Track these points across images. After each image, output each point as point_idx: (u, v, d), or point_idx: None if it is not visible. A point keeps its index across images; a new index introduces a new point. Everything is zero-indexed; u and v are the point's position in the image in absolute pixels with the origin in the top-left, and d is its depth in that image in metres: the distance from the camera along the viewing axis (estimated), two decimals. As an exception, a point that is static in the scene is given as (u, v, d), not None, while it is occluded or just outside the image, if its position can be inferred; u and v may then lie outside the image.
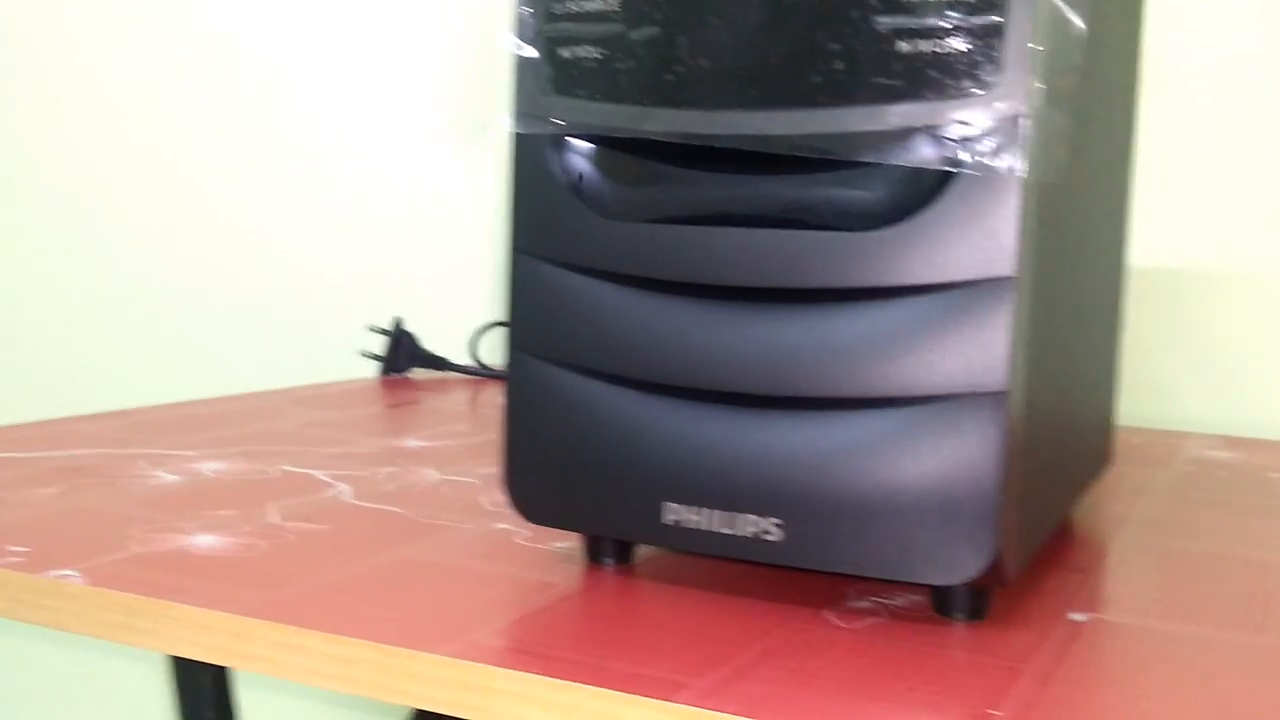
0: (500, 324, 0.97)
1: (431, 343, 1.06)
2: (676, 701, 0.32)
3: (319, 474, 0.57)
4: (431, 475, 0.58)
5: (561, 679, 0.33)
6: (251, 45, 1.17)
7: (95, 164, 1.26)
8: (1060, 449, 0.44)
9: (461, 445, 0.66)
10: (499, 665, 0.34)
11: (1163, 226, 0.85)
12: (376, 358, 0.94)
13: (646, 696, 0.32)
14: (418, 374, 0.95)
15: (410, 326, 1.08)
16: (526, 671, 0.33)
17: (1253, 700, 0.34)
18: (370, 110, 1.12)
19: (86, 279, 1.27)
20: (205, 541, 0.45)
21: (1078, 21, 0.38)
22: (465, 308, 1.09)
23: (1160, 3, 0.84)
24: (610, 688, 0.32)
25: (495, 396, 0.85)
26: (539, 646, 0.35)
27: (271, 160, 1.18)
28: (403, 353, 0.94)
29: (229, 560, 0.43)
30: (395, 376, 0.94)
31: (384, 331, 0.94)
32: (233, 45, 1.18)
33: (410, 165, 1.11)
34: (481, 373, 0.94)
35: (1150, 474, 0.65)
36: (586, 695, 0.33)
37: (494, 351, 1.07)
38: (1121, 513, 0.56)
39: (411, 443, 0.66)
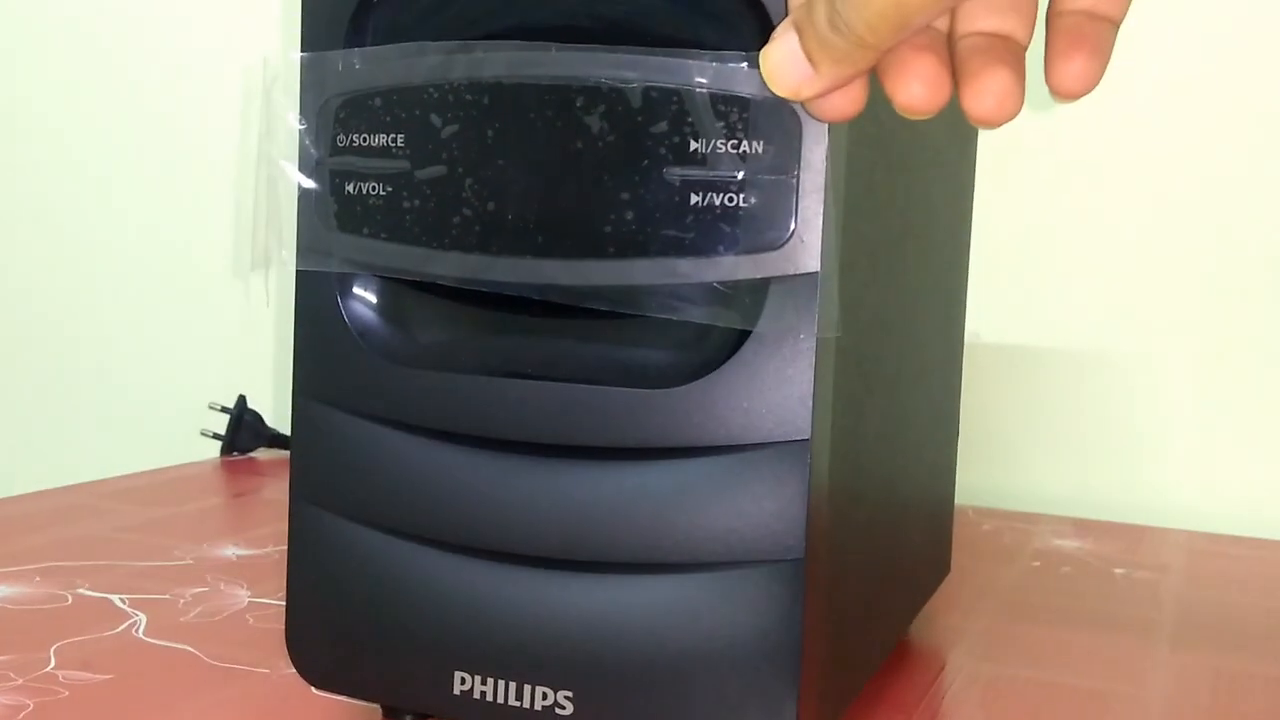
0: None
1: (279, 420, 1.02)
2: None
3: (117, 600, 0.53)
4: (240, 598, 0.55)
5: None
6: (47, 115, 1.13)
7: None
8: (882, 589, 0.42)
9: (283, 554, 0.62)
10: None
11: (1010, 303, 0.85)
12: (218, 437, 0.90)
13: None
14: (263, 454, 0.91)
15: (257, 403, 1.04)
16: None
17: None
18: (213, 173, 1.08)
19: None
20: (-34, 702, 0.41)
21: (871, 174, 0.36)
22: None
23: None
24: None
25: (337, 483, 0.81)
26: None
27: (109, 224, 1.13)
28: (246, 432, 0.90)
29: (-15, 729, 0.39)
30: (239, 457, 0.90)
31: (225, 409, 0.90)
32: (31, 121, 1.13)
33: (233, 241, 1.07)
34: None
35: (993, 572, 0.64)
36: None
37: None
38: (958, 624, 0.55)
39: (230, 551, 0.62)
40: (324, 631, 0.39)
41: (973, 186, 0.54)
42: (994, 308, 0.85)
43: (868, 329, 0.38)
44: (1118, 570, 0.66)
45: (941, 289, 0.49)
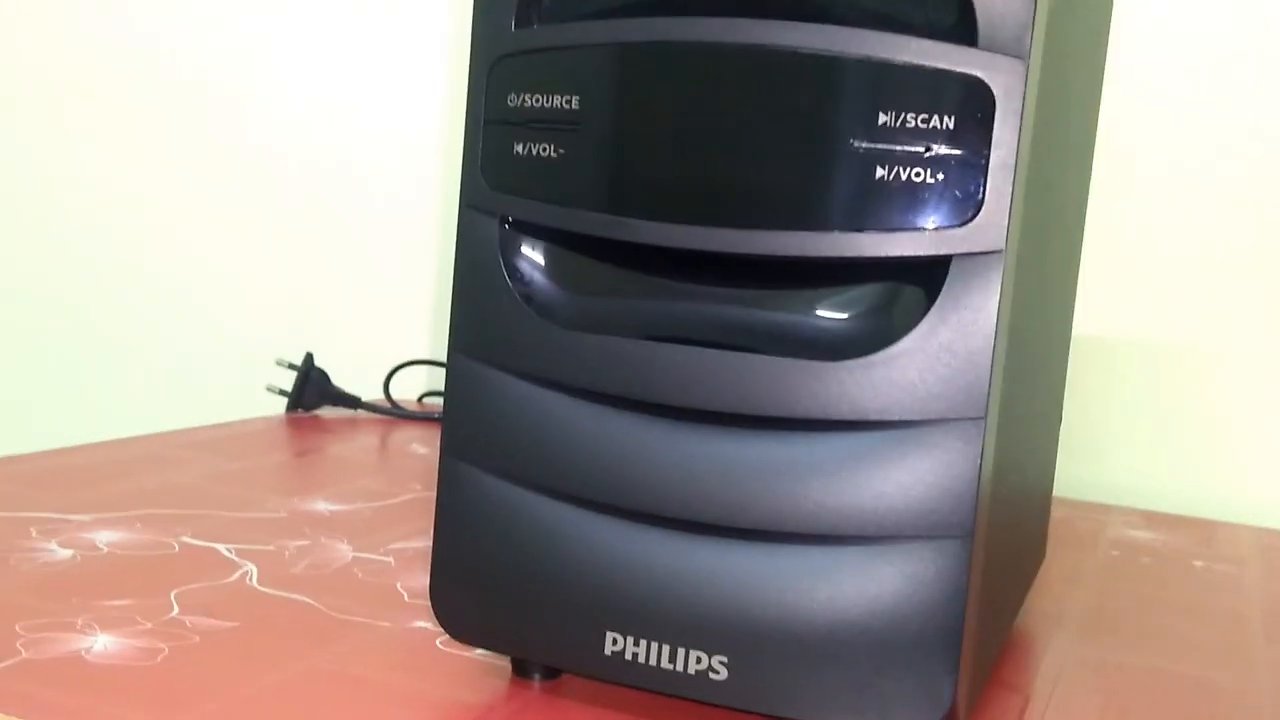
0: (416, 362, 0.94)
1: (344, 379, 1.03)
2: None
3: (223, 549, 0.54)
4: (344, 552, 0.55)
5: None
6: (168, 65, 1.12)
7: (-12, 166, 1.20)
8: (1012, 574, 0.43)
9: (374, 511, 0.62)
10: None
11: (1083, 295, 0.85)
12: (284, 393, 0.90)
13: None
14: (326, 412, 0.91)
15: (323, 361, 1.05)
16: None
17: None
18: (290, 140, 1.08)
19: (-26, 286, 1.21)
20: (102, 644, 0.42)
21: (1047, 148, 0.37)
22: (381, 344, 1.06)
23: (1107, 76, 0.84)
24: None
25: (406, 441, 0.82)
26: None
27: (179, 179, 1.13)
28: (312, 390, 0.91)
29: (129, 671, 0.39)
30: (302, 414, 0.90)
31: (293, 366, 0.90)
32: (145, 68, 1.13)
33: (331, 200, 1.07)
34: (394, 413, 0.91)
35: (1078, 558, 0.65)
36: None
37: (407, 390, 1.03)
38: (1054, 609, 0.55)
39: (322, 506, 0.63)
40: (471, 587, 0.39)
41: (1090, 175, 0.54)
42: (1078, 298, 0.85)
43: (1027, 311, 0.38)
44: (1196, 562, 0.67)
45: (1067, 277, 0.49)
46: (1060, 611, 0.55)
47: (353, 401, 0.91)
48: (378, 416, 0.91)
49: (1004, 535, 0.40)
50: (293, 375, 0.92)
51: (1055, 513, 0.76)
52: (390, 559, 0.54)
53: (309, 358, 0.90)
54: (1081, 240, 0.54)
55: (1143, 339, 0.84)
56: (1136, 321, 0.84)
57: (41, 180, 1.18)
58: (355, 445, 0.79)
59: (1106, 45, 0.53)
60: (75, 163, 1.17)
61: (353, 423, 0.88)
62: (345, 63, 1.06)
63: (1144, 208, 0.84)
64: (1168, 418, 0.84)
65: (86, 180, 1.16)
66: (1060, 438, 0.85)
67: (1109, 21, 0.52)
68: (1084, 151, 0.49)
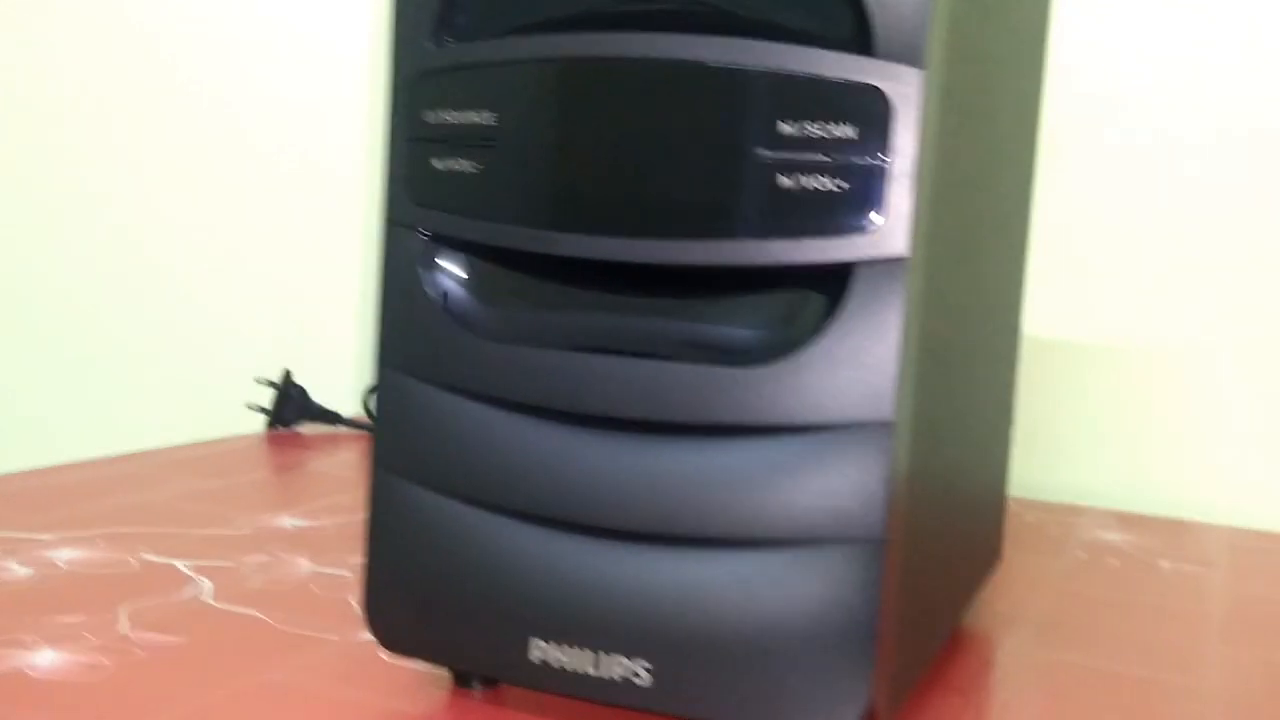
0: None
1: (323, 395, 1.04)
2: None
3: (181, 565, 0.54)
4: (302, 567, 0.55)
5: None
6: (119, 85, 1.14)
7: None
8: (946, 575, 0.43)
9: (340, 525, 0.63)
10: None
11: (1055, 297, 0.85)
12: (264, 411, 0.91)
13: None
14: (307, 428, 0.92)
15: (302, 378, 1.05)
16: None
17: None
18: (263, 153, 1.09)
19: (-33, 311, 1.23)
20: (46, 659, 0.42)
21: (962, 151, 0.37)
22: (359, 360, 1.06)
23: (1061, 76, 0.84)
24: None
25: (384, 458, 0.82)
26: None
27: (154, 194, 1.14)
28: (291, 406, 0.91)
29: (69, 687, 0.40)
30: (283, 431, 0.91)
31: (272, 384, 0.91)
32: (104, 84, 1.14)
33: (306, 213, 1.08)
34: (373, 428, 0.91)
35: (1042, 563, 0.65)
36: None
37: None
38: (1010, 612, 0.55)
39: (288, 522, 0.63)
40: (402, 599, 0.39)
41: (1033, 178, 0.54)
42: (1039, 301, 0.86)
43: (946, 315, 0.38)
44: (1163, 563, 0.67)
45: (1005, 278, 0.49)
46: (1016, 614, 0.55)
47: (333, 417, 0.92)
48: (358, 432, 0.92)
49: (933, 537, 0.40)
50: (272, 393, 0.93)
51: (1026, 516, 0.76)
52: (349, 573, 0.55)
53: (287, 374, 0.91)
54: (1025, 243, 0.54)
55: (1114, 342, 0.84)
56: (1107, 325, 0.85)
57: (11, 197, 1.20)
58: (334, 461, 0.80)
59: (1044, 45, 0.53)
60: (48, 181, 1.18)
61: (333, 439, 0.88)
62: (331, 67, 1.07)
63: (1111, 211, 0.84)
64: (1140, 419, 0.84)
65: (58, 200, 1.18)
66: (1032, 442, 0.86)
67: (1045, 22, 0.53)
68: (1020, 154, 0.50)
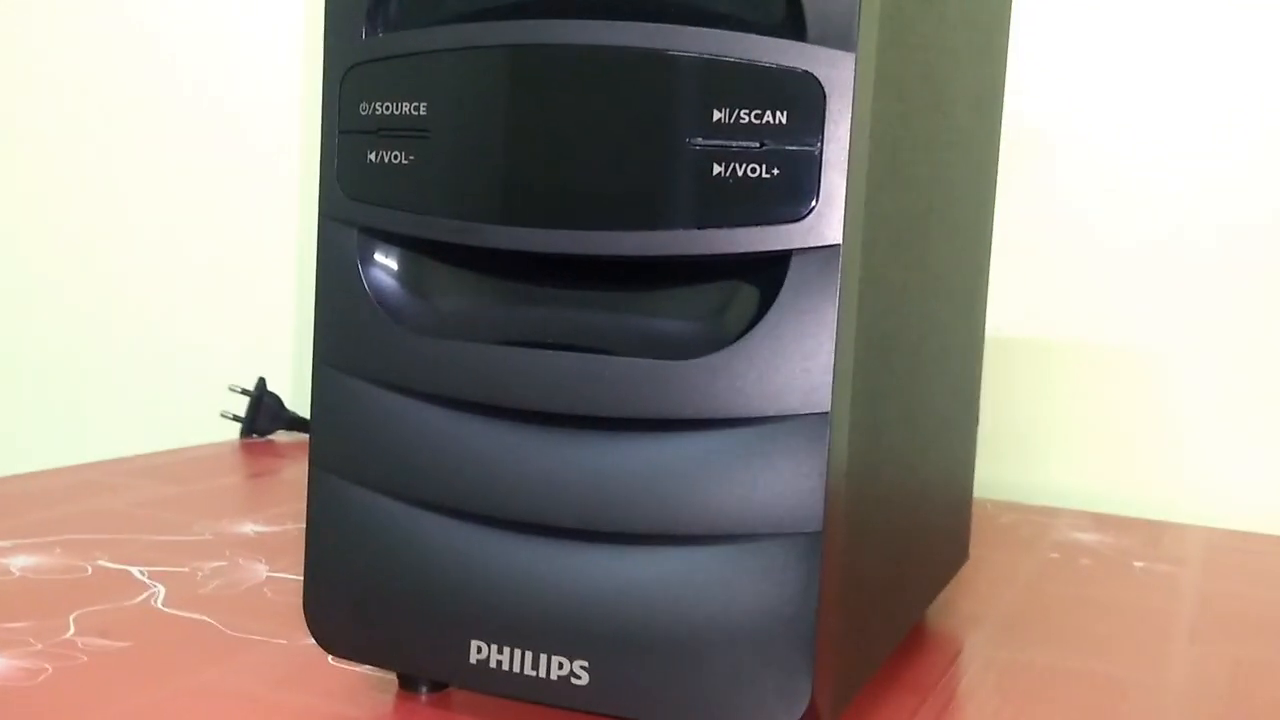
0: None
1: (298, 402, 1.03)
2: None
3: (135, 571, 0.54)
4: (259, 572, 0.55)
5: None
6: (97, 97, 1.13)
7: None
8: (898, 571, 0.42)
9: (301, 531, 0.62)
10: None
11: (1031, 297, 0.85)
12: (237, 419, 0.91)
13: None
14: (281, 436, 0.92)
15: (276, 385, 1.05)
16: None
17: None
18: (234, 159, 1.09)
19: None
20: (-15, 665, 0.42)
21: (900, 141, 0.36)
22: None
23: (1021, 72, 0.84)
24: None
25: (356, 465, 0.82)
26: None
27: (124, 200, 1.13)
28: (265, 414, 0.91)
29: (5, 690, 0.39)
30: (257, 439, 0.90)
31: (245, 392, 0.91)
32: (79, 97, 1.14)
33: (275, 224, 1.08)
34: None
35: (1012, 561, 0.64)
36: None
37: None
38: (975, 611, 0.55)
39: (249, 528, 0.62)
40: (341, 600, 0.39)
41: (996, 173, 0.54)
42: (1015, 301, 0.85)
43: (888, 306, 0.38)
44: (1137, 563, 0.66)
45: (963, 273, 0.49)
46: (981, 613, 0.55)
47: (307, 425, 0.91)
48: (331, 439, 0.91)
49: (880, 531, 0.39)
50: (246, 401, 0.92)
51: (1000, 517, 0.76)
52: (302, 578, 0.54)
53: (261, 382, 0.90)
54: (987, 237, 0.53)
55: (1088, 342, 0.84)
56: (1081, 325, 0.84)
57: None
58: (305, 468, 0.79)
59: (1004, 38, 0.53)
60: (11, 192, 1.17)
61: (306, 446, 0.88)
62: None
63: (1091, 209, 0.84)
64: (1117, 419, 0.84)
65: (22, 210, 1.17)
66: (1006, 443, 0.85)
67: (1004, 15, 0.52)
68: (978, 148, 0.49)
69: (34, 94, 1.17)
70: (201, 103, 1.10)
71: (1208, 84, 0.81)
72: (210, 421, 1.08)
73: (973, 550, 0.66)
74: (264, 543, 0.60)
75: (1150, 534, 0.73)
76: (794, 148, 0.33)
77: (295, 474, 0.77)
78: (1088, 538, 0.71)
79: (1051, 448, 0.85)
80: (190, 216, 1.11)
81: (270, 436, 0.91)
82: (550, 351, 0.36)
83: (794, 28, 0.33)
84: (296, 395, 1.03)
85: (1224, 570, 0.66)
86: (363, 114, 0.37)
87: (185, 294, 1.11)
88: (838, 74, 0.32)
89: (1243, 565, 0.67)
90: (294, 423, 0.91)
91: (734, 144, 0.33)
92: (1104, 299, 0.84)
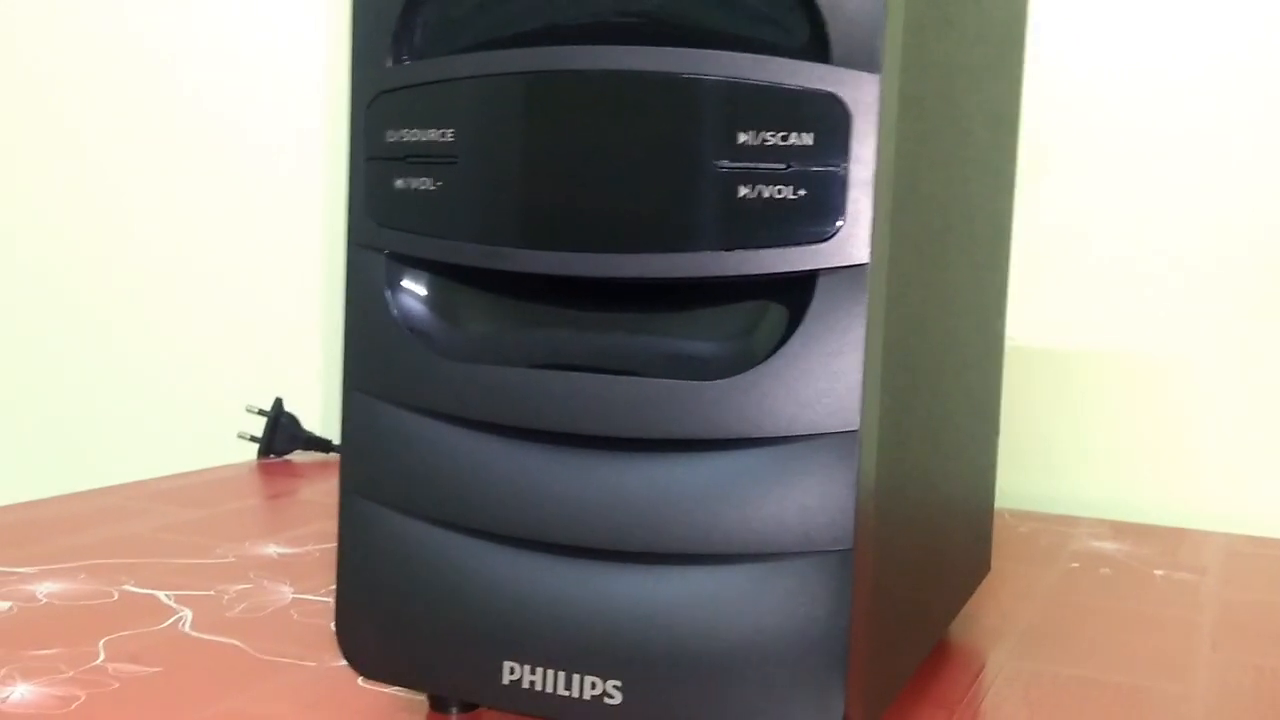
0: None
1: (316, 423, 1.03)
2: None
3: (162, 595, 0.54)
4: (284, 594, 0.55)
5: None
6: (108, 111, 1.14)
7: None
8: (925, 585, 0.42)
9: (326, 552, 0.63)
10: None
11: (1049, 307, 0.85)
12: (255, 439, 0.91)
13: None
14: (299, 456, 0.92)
15: (294, 406, 1.05)
16: None
17: None
18: (255, 182, 1.09)
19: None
20: (20, 693, 0.42)
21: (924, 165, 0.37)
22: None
23: (1043, 84, 0.84)
24: None
25: (374, 484, 0.82)
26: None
27: (144, 222, 1.14)
28: (282, 435, 0.91)
29: (40, 719, 0.40)
30: (275, 460, 0.90)
31: (262, 412, 0.91)
32: (86, 117, 1.15)
33: (296, 247, 1.08)
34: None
35: (1033, 573, 0.64)
36: None
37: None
38: (998, 624, 0.55)
39: (272, 550, 0.63)
40: (373, 622, 0.39)
41: (1013, 186, 0.54)
42: (1033, 311, 0.85)
43: (912, 322, 0.38)
44: (1157, 572, 0.66)
45: (982, 286, 0.49)
46: (1004, 625, 0.55)
47: (325, 445, 0.92)
48: (348, 459, 0.91)
49: (908, 547, 0.39)
50: (264, 422, 0.92)
51: (1019, 527, 0.76)
52: (330, 599, 0.54)
53: (278, 402, 0.91)
54: (1005, 252, 0.54)
55: (1106, 352, 0.84)
56: (1099, 334, 0.84)
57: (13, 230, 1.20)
58: (324, 488, 0.79)
59: (1020, 55, 0.53)
60: (22, 209, 1.18)
61: (325, 466, 0.88)
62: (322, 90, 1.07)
63: (1107, 219, 0.84)
64: (1135, 427, 0.84)
65: (63, 214, 1.18)
66: (1025, 454, 0.85)
67: (1020, 32, 0.53)
68: (997, 164, 0.49)
69: (57, 124, 1.18)
70: (223, 126, 1.10)
71: (1227, 91, 0.81)
72: (227, 442, 1.08)
73: (993, 562, 0.66)
74: (287, 565, 0.60)
75: (1170, 542, 0.73)
76: (819, 169, 0.33)
77: (314, 494, 0.77)
78: (1107, 546, 0.72)
79: (1069, 456, 0.85)
80: (210, 239, 1.11)
81: (287, 456, 0.91)
82: (579, 374, 0.36)
83: (818, 50, 0.33)
84: (324, 418, 1.03)
85: (1245, 577, 0.66)
86: (390, 141, 0.38)
87: (203, 314, 1.12)
88: (862, 95, 0.33)
89: (1264, 571, 0.67)
90: (311, 442, 0.92)
91: (760, 166, 0.33)
92: (1121, 308, 0.84)
